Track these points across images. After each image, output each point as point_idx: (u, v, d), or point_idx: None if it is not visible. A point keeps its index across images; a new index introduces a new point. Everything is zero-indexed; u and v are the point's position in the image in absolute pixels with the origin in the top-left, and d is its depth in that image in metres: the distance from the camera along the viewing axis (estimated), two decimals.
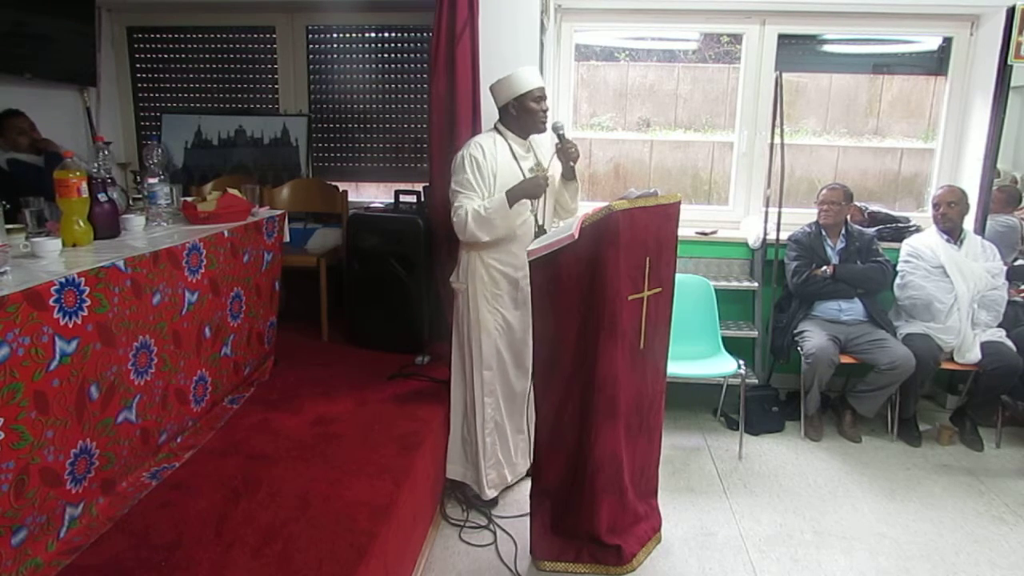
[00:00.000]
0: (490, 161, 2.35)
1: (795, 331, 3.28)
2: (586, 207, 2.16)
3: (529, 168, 2.42)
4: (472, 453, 2.52)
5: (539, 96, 2.40)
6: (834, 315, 3.26)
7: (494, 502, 2.56)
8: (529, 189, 2.31)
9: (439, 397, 2.63)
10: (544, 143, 2.54)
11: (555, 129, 2.39)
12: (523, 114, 2.39)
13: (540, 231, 2.40)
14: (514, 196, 2.27)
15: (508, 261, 2.42)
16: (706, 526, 2.50)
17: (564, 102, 3.64)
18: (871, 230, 3.43)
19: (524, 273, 2.39)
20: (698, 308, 3.28)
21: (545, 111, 2.42)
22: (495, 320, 2.44)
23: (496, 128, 2.47)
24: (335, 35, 3.84)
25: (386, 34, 3.80)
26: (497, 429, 2.50)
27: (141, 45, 3.96)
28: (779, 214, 3.36)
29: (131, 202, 2.63)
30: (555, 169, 2.48)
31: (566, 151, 2.38)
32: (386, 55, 3.81)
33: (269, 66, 3.91)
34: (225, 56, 3.93)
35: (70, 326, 1.61)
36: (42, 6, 3.29)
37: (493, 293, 2.43)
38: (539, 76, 2.42)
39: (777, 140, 3.34)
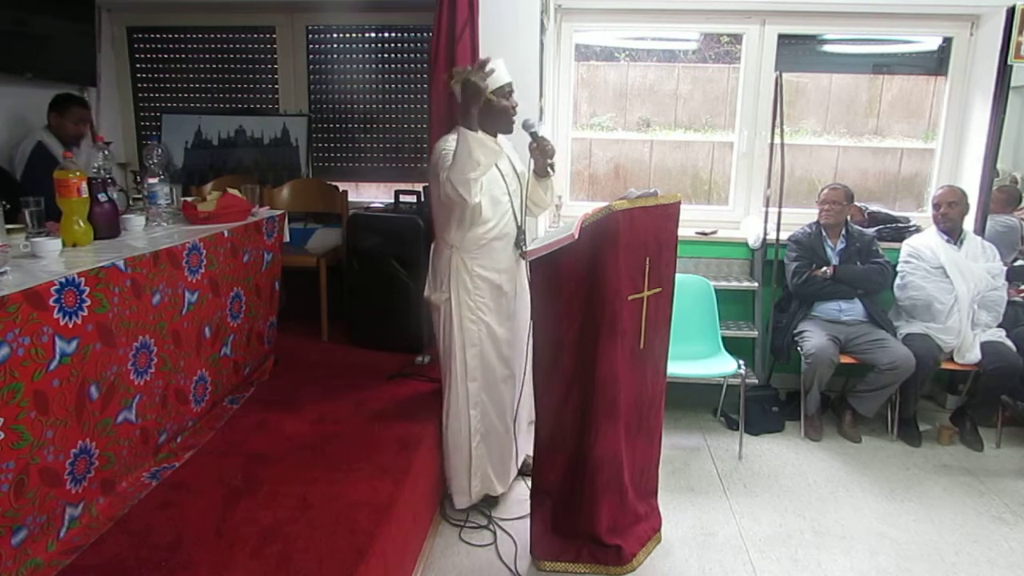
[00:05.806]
0: None
1: (795, 331, 3.27)
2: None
3: (504, 170, 2.29)
4: (459, 463, 2.43)
5: (510, 92, 2.24)
6: (834, 315, 3.26)
7: (494, 502, 2.55)
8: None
9: (439, 397, 2.61)
10: (508, 144, 2.40)
11: (526, 127, 2.24)
12: (494, 112, 2.20)
13: (519, 231, 2.34)
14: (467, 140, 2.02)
15: (490, 265, 2.31)
16: (706, 526, 2.50)
17: (564, 102, 3.64)
18: (871, 230, 3.43)
19: (507, 276, 2.35)
20: (698, 308, 3.28)
21: (515, 107, 2.26)
22: (478, 330, 2.33)
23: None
24: (335, 35, 3.84)
25: (386, 34, 3.80)
26: (484, 440, 2.43)
27: (141, 45, 3.95)
28: (779, 214, 3.36)
29: (131, 202, 2.62)
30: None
31: (543, 148, 2.26)
32: (386, 55, 3.81)
33: (269, 66, 3.91)
34: (225, 56, 3.93)
35: (70, 326, 1.61)
36: (42, 6, 3.29)
37: (477, 302, 2.31)
38: (507, 71, 2.23)
39: (777, 140, 3.34)
